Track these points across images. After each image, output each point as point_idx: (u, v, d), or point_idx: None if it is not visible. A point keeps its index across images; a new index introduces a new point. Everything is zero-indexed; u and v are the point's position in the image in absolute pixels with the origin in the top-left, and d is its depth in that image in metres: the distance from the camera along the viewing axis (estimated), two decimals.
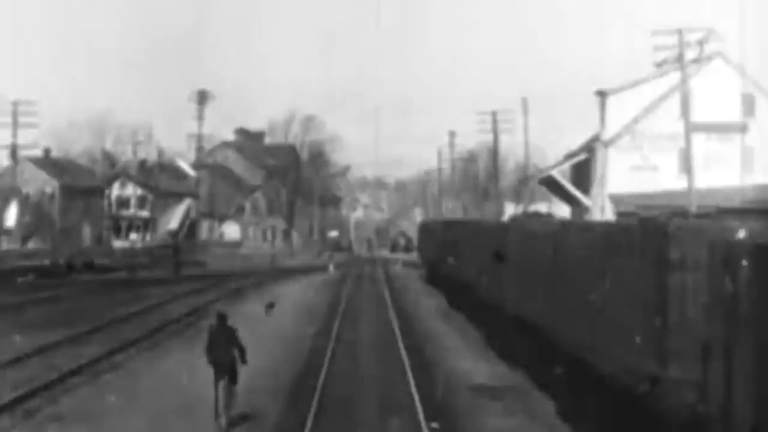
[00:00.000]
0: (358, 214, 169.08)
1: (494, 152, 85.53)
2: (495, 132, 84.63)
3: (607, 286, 16.04)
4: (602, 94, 72.47)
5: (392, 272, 76.36)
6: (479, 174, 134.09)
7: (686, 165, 60.61)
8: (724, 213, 45.00)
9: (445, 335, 34.64)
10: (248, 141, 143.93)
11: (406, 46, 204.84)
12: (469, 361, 28.61)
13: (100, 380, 26.49)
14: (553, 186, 79.17)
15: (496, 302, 28.54)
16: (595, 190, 72.31)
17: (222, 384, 20.33)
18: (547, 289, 21.13)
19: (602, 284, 16.37)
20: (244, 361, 20.46)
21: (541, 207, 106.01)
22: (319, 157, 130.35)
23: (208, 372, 20.97)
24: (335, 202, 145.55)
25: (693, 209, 52.42)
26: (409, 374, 25.70)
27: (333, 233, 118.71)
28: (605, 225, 21.01)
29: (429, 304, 46.05)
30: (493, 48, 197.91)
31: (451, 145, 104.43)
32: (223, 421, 20.37)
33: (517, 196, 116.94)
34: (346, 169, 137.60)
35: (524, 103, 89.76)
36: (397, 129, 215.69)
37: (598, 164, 71.78)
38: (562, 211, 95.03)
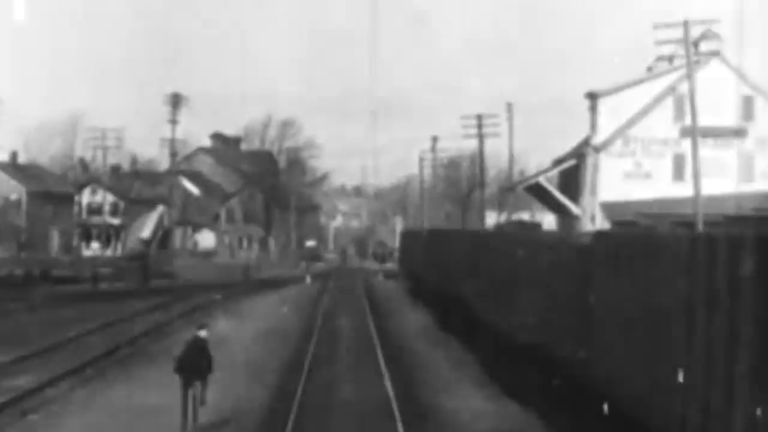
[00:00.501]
0: (337, 222, 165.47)
1: (479, 157, 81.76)
2: (480, 136, 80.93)
3: (682, 320, 11.95)
4: (593, 96, 69.66)
5: (373, 284, 72.24)
6: (461, 182, 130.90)
7: (692, 171, 57.00)
8: (735, 222, 41.61)
9: (438, 364, 30.31)
10: (224, 147, 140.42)
11: (388, 51, 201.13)
12: (469, 399, 24.37)
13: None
14: (539, 194, 75.51)
15: (501, 327, 24.59)
16: (584, 197, 69.52)
17: (191, 393, 20.93)
18: (573, 316, 17.04)
19: (672, 317, 12.33)
20: (210, 370, 21.34)
21: (523, 216, 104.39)
22: (296, 163, 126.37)
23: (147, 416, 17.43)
24: (313, 210, 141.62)
25: (699, 218, 48.79)
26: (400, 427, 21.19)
27: (311, 242, 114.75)
28: (670, 236, 16.35)
29: (415, 325, 41.58)
30: (476, 50, 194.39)
31: (434, 150, 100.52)
32: (190, 429, 20.95)
33: (499, 205, 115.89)
34: (324, 176, 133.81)
35: (509, 108, 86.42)
36: (377, 135, 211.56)
37: (588, 170, 68.91)
38: (546, 220, 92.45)
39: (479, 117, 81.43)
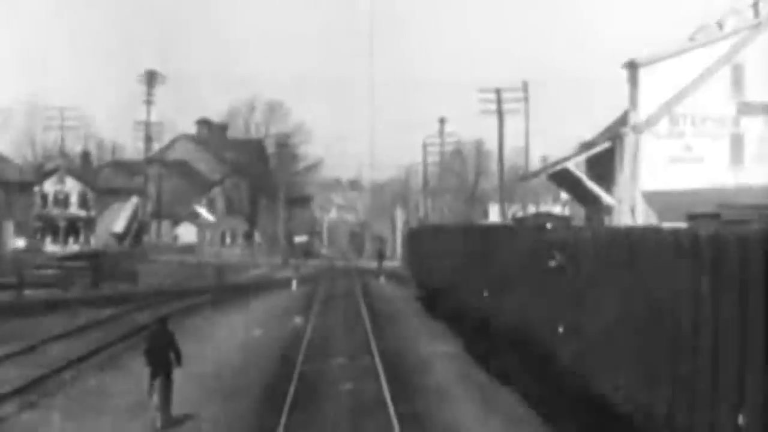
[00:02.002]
0: (332, 215, 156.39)
1: (499, 137, 70.07)
2: (500, 112, 69.53)
3: None
4: (633, 67, 61.85)
5: (374, 290, 59.93)
6: (467, 171, 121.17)
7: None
8: None
9: None
10: (211, 133, 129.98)
11: (387, 28, 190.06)
12: None
13: None
14: (565, 182, 67.08)
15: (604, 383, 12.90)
16: (621, 186, 61.15)
17: (157, 384, 20.91)
18: None
19: None
20: (179, 363, 21.37)
21: (530, 209, 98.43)
22: (284, 148, 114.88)
23: None
24: (305, 201, 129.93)
25: None
26: None
27: (300, 238, 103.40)
28: None
29: (449, 369, 27.29)
30: (482, 21, 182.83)
31: (442, 133, 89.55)
32: (158, 422, 20.84)
33: (509, 196, 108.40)
34: (317, 164, 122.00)
35: (525, 87, 75.66)
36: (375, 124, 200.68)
37: (627, 154, 60.80)
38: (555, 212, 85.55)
39: (498, 91, 70.11)
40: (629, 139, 59.01)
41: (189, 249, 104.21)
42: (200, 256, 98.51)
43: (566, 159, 66.94)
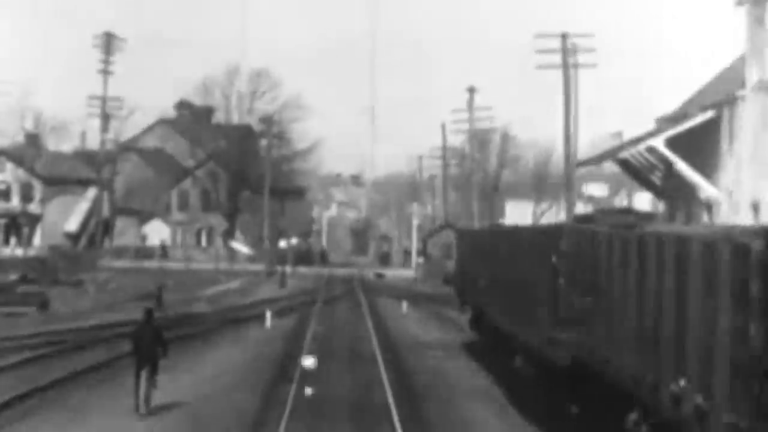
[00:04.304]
0: (332, 212, 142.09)
1: (566, 99, 50.41)
2: (565, 65, 50.76)
3: None
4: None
5: (397, 329, 40.50)
6: (489, 160, 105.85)
7: None
8: None
9: None
10: (192, 118, 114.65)
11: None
12: None
13: None
14: (638, 169, 53.39)
15: None
16: (732, 172, 43.08)
17: (143, 374, 22.24)
18: None
19: None
20: (165, 354, 22.79)
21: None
22: (272, 126, 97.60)
23: None
24: (298, 194, 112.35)
25: None
26: None
27: (290, 240, 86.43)
28: None
29: None
30: None
31: (471, 106, 71.37)
32: (143, 409, 22.17)
33: (537, 193, 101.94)
34: (313, 146, 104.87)
35: (563, 41, 57.01)
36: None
37: (746, 126, 42.26)
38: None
39: (564, 36, 51.41)
40: (751, 104, 43.09)
41: (150, 254, 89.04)
42: (165, 261, 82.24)
43: (648, 136, 50.54)
